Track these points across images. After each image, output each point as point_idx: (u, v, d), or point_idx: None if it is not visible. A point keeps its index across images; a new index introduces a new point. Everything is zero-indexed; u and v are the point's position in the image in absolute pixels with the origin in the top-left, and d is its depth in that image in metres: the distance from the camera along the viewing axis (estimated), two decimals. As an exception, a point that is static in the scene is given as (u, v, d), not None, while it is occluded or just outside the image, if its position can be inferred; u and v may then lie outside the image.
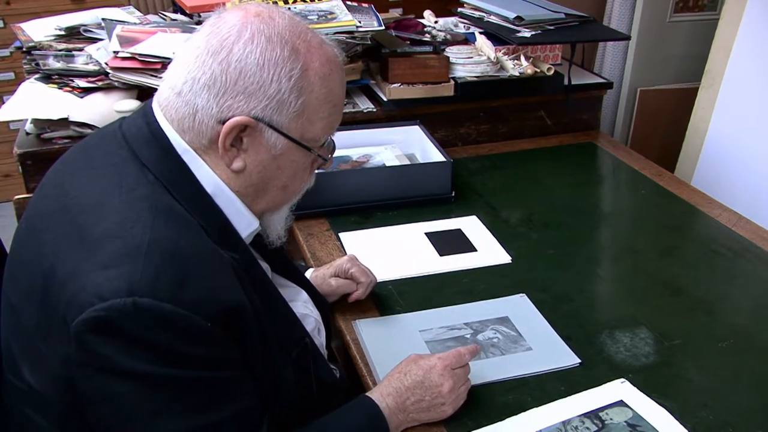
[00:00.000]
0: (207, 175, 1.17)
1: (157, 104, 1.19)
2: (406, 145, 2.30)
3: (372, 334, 1.57)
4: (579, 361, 1.48)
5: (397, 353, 1.41)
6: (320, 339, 1.45)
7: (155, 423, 1.03)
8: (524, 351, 1.51)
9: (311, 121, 1.18)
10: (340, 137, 2.21)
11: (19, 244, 1.19)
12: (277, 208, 1.29)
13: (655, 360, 1.50)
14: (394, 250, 1.88)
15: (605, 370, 1.46)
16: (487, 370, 1.45)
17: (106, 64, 2.15)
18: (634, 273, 1.84)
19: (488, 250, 1.88)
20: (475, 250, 1.88)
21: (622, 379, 1.42)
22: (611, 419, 1.32)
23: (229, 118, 1.12)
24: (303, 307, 1.42)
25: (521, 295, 1.69)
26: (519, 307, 1.65)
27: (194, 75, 1.12)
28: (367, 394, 1.32)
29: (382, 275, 1.74)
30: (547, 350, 1.51)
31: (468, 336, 1.54)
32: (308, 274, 1.65)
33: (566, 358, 1.49)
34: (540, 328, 1.58)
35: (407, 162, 2.20)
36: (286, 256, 1.52)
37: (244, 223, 1.22)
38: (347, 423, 1.27)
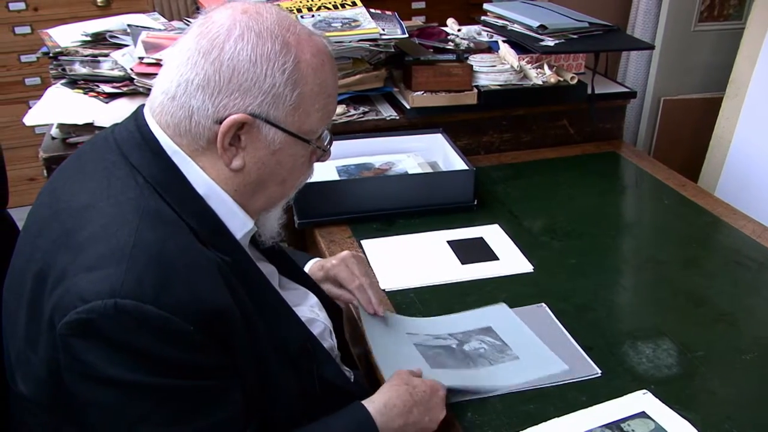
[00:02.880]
0: (198, 176, 1.17)
1: (149, 110, 1.19)
2: (428, 153, 2.30)
3: (375, 330, 1.56)
4: (599, 371, 1.47)
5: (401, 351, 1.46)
6: (331, 342, 1.44)
7: (136, 431, 1.03)
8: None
9: (307, 113, 1.18)
10: (363, 144, 2.25)
11: (16, 253, 1.19)
12: (275, 204, 1.29)
13: (678, 371, 1.49)
14: (416, 258, 1.88)
15: (627, 381, 1.45)
16: (506, 379, 1.45)
17: (131, 69, 2.17)
18: (656, 283, 1.83)
19: (510, 259, 1.88)
20: (497, 259, 1.88)
21: (644, 390, 1.41)
22: (633, 430, 1.32)
23: (225, 117, 1.12)
24: (309, 311, 1.42)
25: (540, 304, 1.68)
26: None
27: (187, 77, 1.12)
28: (364, 402, 1.28)
29: (403, 283, 1.75)
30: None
31: (454, 346, 1.53)
32: (308, 265, 1.63)
33: (586, 368, 1.48)
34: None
35: (430, 170, 2.19)
36: (295, 261, 1.52)
37: (239, 224, 1.22)
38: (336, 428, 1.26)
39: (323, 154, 1.28)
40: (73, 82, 2.25)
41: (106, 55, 2.30)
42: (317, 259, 1.65)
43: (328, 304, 1.52)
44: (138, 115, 1.20)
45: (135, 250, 1.02)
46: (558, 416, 1.36)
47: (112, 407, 1.02)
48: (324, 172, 2.14)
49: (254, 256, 1.36)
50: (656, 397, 1.39)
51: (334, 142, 2.19)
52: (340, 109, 2.34)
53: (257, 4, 1.17)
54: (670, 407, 1.37)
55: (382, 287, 1.73)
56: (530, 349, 1.54)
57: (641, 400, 1.39)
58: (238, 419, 1.11)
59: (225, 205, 1.19)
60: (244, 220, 1.23)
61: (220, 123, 1.12)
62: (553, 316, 1.64)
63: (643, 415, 1.35)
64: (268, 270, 1.38)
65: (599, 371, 1.47)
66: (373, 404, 1.27)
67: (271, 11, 1.16)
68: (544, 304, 1.68)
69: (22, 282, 1.11)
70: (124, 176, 1.14)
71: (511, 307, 1.67)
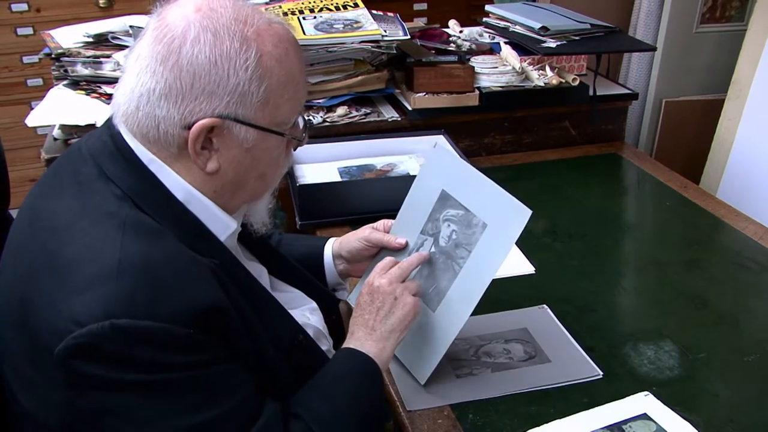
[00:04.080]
0: (176, 182, 1.15)
1: (118, 118, 1.16)
2: (430, 155, 2.30)
3: None
4: (601, 373, 1.47)
5: None
6: (327, 345, 1.44)
7: (161, 425, 1.03)
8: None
9: (277, 106, 1.16)
10: (365, 146, 2.24)
11: (0, 269, 1.18)
12: (258, 197, 1.28)
13: (680, 373, 1.49)
14: (417, 259, 1.86)
15: (629, 383, 1.45)
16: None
17: (134, 71, 2.17)
18: (658, 285, 1.83)
19: (512, 261, 1.87)
20: (499, 260, 1.87)
21: (646, 392, 1.41)
22: (634, 432, 1.32)
23: (194, 123, 1.10)
24: (300, 315, 1.40)
25: (541, 306, 1.68)
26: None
27: (148, 87, 1.09)
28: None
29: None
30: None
31: (433, 248, 1.45)
32: (330, 241, 1.64)
33: (588, 370, 1.48)
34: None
35: (431, 171, 2.19)
36: (288, 260, 1.51)
37: (221, 226, 1.20)
38: (332, 371, 1.27)
39: (299, 144, 1.27)
40: (76, 84, 2.25)
41: (109, 56, 2.30)
42: (336, 238, 1.65)
43: (327, 307, 1.51)
44: (111, 123, 1.17)
45: (122, 265, 1.01)
46: (559, 418, 1.35)
47: (132, 408, 1.02)
48: (326, 173, 2.14)
49: (245, 256, 1.36)
50: (658, 398, 1.39)
51: (335, 143, 2.22)
52: (341, 110, 2.34)
53: None
54: (671, 409, 1.37)
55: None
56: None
57: (643, 402, 1.39)
58: (253, 397, 1.12)
59: (206, 209, 1.18)
60: (227, 222, 1.22)
61: (189, 128, 1.10)
62: (555, 318, 1.64)
63: (644, 416, 1.35)
64: (257, 270, 1.37)
65: (601, 373, 1.47)
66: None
67: (225, 5, 1.13)
68: (545, 306, 1.68)
69: (9, 303, 1.10)
70: (100, 189, 1.12)
71: (511, 308, 1.67)
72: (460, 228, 1.42)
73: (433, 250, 1.45)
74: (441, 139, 2.29)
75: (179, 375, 1.03)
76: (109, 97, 2.15)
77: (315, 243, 1.65)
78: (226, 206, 1.21)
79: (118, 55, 2.28)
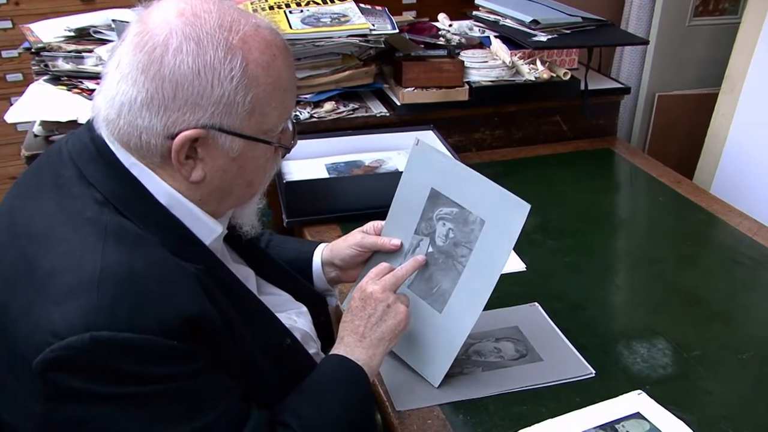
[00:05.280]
0: (159, 187, 1.12)
1: (98, 122, 1.12)
2: (419, 150, 2.28)
3: None
4: (593, 371, 1.45)
5: None
6: (315, 348, 1.41)
7: None
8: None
9: (264, 114, 1.12)
10: (353, 141, 2.22)
11: None
12: (245, 202, 1.25)
13: (673, 371, 1.47)
14: (405, 257, 1.84)
15: (622, 382, 1.43)
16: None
17: (116, 65, 2.14)
18: (651, 282, 1.81)
19: (502, 257, 1.85)
20: (489, 257, 1.85)
21: (639, 391, 1.40)
22: (627, 431, 1.30)
23: (177, 134, 1.06)
24: (287, 318, 1.37)
25: (532, 304, 1.66)
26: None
27: (129, 96, 1.05)
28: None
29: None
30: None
31: (431, 248, 1.43)
32: (320, 248, 1.60)
33: (580, 368, 1.46)
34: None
35: (420, 167, 2.17)
36: (276, 262, 1.48)
37: (206, 230, 1.17)
38: (321, 378, 1.25)
39: (287, 151, 1.23)
40: (57, 79, 2.22)
41: (90, 51, 2.27)
42: (326, 244, 1.60)
43: (316, 309, 1.49)
44: (91, 125, 1.14)
45: (103, 275, 0.98)
46: (551, 417, 1.34)
47: (113, 420, 0.99)
48: (313, 169, 2.12)
49: (232, 259, 1.34)
50: (651, 397, 1.38)
51: (322, 139, 2.20)
52: (328, 105, 2.32)
53: (194, 3, 1.09)
54: (665, 408, 1.35)
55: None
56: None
57: (636, 401, 1.37)
58: (238, 405, 1.10)
59: (190, 214, 1.15)
60: (212, 226, 1.18)
61: (173, 138, 1.06)
62: (546, 316, 1.62)
63: (637, 415, 1.34)
64: (244, 273, 1.35)
65: (593, 371, 1.46)
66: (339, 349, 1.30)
67: (209, 9, 1.08)
68: (536, 304, 1.66)
69: None
70: (81, 194, 1.09)
71: (502, 306, 1.64)
72: (457, 226, 1.39)
73: (430, 250, 1.42)
74: (429, 135, 2.27)
75: (162, 386, 1.00)
76: (92, 92, 2.13)
77: (303, 249, 1.61)
78: (213, 212, 1.19)
79: (100, 50, 2.25)
